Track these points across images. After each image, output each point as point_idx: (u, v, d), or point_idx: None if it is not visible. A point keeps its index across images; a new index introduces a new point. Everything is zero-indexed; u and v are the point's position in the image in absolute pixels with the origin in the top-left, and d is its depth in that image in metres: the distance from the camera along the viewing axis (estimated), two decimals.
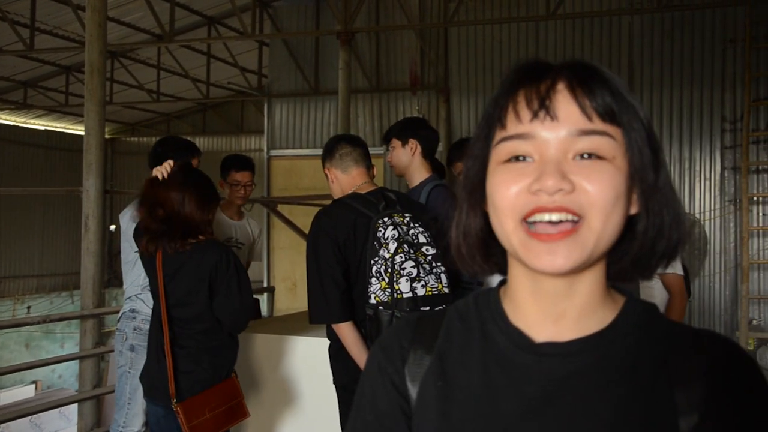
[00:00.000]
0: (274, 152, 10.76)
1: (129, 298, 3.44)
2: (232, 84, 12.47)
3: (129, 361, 3.34)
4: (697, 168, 8.40)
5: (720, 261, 8.35)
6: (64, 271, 16.65)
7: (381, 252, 2.43)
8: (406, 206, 2.61)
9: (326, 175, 2.84)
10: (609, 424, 0.71)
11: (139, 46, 11.18)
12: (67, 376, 15.41)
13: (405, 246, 2.43)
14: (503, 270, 0.83)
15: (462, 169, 2.89)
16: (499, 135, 0.75)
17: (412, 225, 2.51)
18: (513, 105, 0.74)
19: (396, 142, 3.16)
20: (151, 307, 3.24)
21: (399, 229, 2.47)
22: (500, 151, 0.75)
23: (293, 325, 3.88)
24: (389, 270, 2.40)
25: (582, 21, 8.85)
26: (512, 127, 0.74)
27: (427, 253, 2.47)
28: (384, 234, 2.45)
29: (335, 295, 2.49)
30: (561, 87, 0.73)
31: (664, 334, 0.77)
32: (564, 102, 0.72)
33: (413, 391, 0.81)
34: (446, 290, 2.45)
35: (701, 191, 8.39)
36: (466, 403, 0.77)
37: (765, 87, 8.00)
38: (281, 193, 10.42)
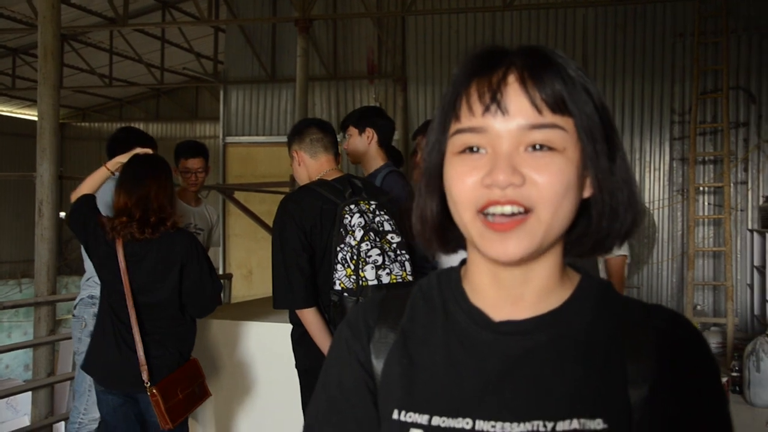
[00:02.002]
0: (229, 139, 10.66)
1: (87, 282, 3.40)
2: (187, 70, 12.29)
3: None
4: (647, 158, 8.62)
5: (667, 249, 8.60)
6: (11, 258, 16.24)
7: (347, 239, 2.46)
8: (372, 194, 2.64)
9: (292, 156, 2.83)
10: (564, 397, 0.75)
11: (90, 29, 10.94)
12: (14, 366, 15.03)
13: (371, 234, 2.47)
14: (463, 248, 0.86)
15: (422, 141, 2.96)
16: (454, 126, 0.78)
17: (377, 213, 2.54)
18: (466, 97, 0.77)
19: (353, 130, 3.20)
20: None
21: (365, 216, 2.50)
22: (455, 142, 0.77)
23: (250, 310, 3.89)
24: (355, 257, 2.43)
25: (537, 12, 8.97)
26: (466, 119, 0.76)
27: (392, 240, 2.51)
28: (350, 221, 2.48)
29: (300, 280, 2.50)
30: (512, 80, 0.75)
31: (617, 309, 0.81)
32: (514, 96, 0.74)
33: (378, 368, 0.84)
34: (410, 278, 2.50)
35: (651, 181, 8.62)
36: (429, 380, 0.81)
37: (712, 80, 8.23)
38: (237, 180, 10.34)
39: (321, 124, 2.86)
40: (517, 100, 0.74)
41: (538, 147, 0.74)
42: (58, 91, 4.00)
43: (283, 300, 2.55)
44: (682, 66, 8.51)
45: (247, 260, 10.33)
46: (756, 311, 7.84)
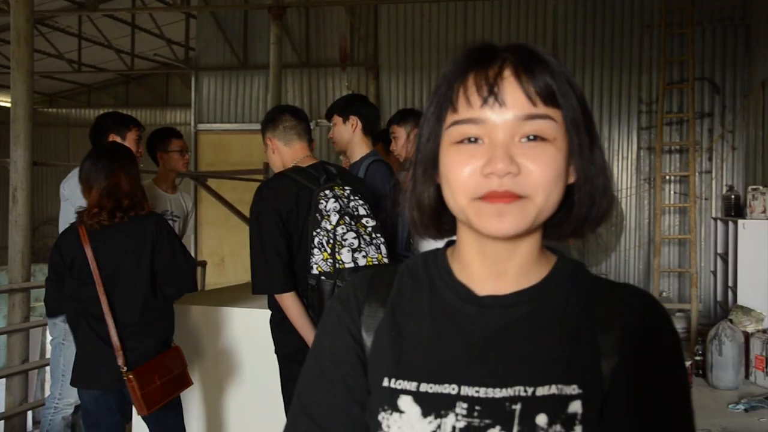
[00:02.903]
0: (201, 126, 10.61)
1: None
2: (158, 56, 12.14)
3: (63, 332, 3.33)
4: (616, 147, 8.78)
5: (635, 236, 8.78)
6: None
7: (323, 224, 2.51)
8: (346, 179, 2.69)
9: (266, 144, 2.87)
10: (542, 365, 0.82)
11: (59, 14, 10.76)
12: None
13: (346, 218, 2.52)
14: (455, 233, 0.93)
15: (396, 131, 3.04)
16: (451, 118, 0.83)
17: (352, 197, 2.59)
18: (464, 90, 0.82)
19: (337, 119, 3.22)
20: None
21: (340, 201, 2.55)
22: (452, 132, 0.83)
23: (229, 296, 3.92)
24: (331, 241, 2.48)
25: (509, 2, 9.06)
26: (464, 111, 0.82)
27: (367, 224, 2.56)
28: (326, 206, 2.53)
29: (278, 266, 2.55)
30: (507, 74, 0.81)
31: (589, 287, 0.88)
32: (510, 88, 0.80)
33: (368, 340, 0.90)
34: (386, 260, 2.55)
35: (619, 170, 8.78)
36: (416, 350, 0.87)
37: (678, 71, 8.39)
38: (209, 168, 10.30)
39: (294, 111, 2.90)
40: (513, 93, 0.80)
41: (531, 138, 0.80)
42: (32, 76, 3.98)
43: (262, 285, 2.60)
44: (649, 57, 8.67)
45: (220, 248, 10.32)
46: (719, 297, 8.05)
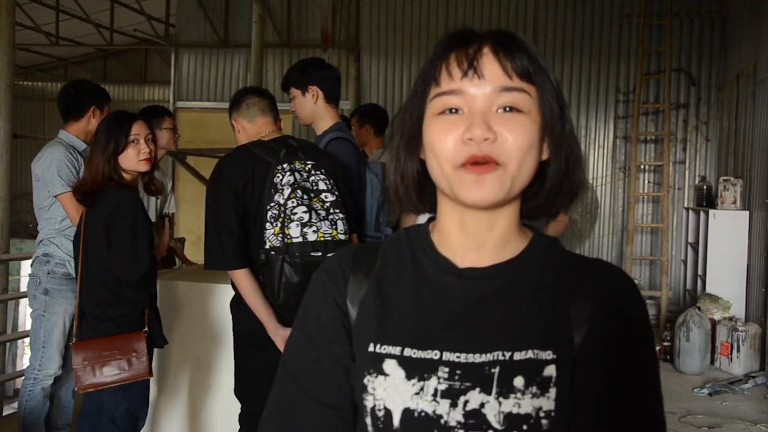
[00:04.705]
0: (180, 104, 10.54)
1: (42, 242, 3.43)
2: (137, 31, 12.00)
3: (43, 304, 3.35)
4: (592, 136, 8.88)
5: (608, 224, 8.91)
6: None
7: (276, 197, 2.44)
8: (310, 154, 2.61)
9: (233, 126, 2.82)
10: (519, 332, 0.88)
11: None
12: None
13: (298, 192, 2.44)
14: (434, 209, 0.99)
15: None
16: (434, 91, 0.90)
17: (313, 172, 2.52)
18: (446, 65, 0.89)
19: (295, 92, 3.01)
20: (65, 251, 3.27)
21: (296, 175, 2.48)
22: (435, 104, 0.89)
23: (209, 273, 3.91)
24: (282, 215, 2.41)
25: None
26: (445, 84, 0.89)
27: (326, 199, 2.49)
28: (281, 180, 2.46)
29: (230, 242, 2.48)
30: (486, 51, 0.88)
31: (563, 261, 0.95)
32: (489, 63, 0.87)
33: (353, 310, 0.95)
34: (341, 237, 2.47)
35: (594, 158, 8.88)
36: (400, 318, 0.92)
37: (655, 62, 8.49)
38: (187, 146, 10.23)
39: (256, 90, 2.86)
40: (491, 67, 0.87)
41: (507, 109, 0.86)
42: (13, 48, 3.96)
43: (214, 261, 2.53)
44: (627, 47, 8.75)
45: (197, 226, 10.26)
46: (688, 285, 8.21)
